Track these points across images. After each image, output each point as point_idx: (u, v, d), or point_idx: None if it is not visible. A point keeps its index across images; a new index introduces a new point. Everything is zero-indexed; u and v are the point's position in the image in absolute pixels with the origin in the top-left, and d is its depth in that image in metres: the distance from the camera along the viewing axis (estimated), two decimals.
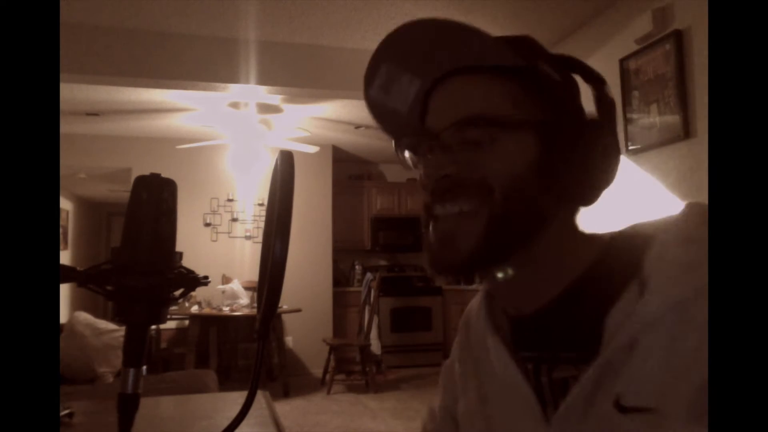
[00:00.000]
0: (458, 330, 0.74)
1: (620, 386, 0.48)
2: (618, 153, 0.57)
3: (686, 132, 2.48)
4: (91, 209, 9.44)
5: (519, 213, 0.55)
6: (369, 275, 5.41)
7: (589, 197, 0.56)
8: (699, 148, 2.43)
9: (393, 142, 0.63)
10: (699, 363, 0.44)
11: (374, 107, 0.64)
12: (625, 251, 0.55)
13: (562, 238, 0.57)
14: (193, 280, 0.50)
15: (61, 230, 7.55)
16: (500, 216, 0.54)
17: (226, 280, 5.40)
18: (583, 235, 0.59)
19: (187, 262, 0.49)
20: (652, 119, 2.67)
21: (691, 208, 0.55)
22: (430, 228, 0.58)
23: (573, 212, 0.59)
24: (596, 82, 0.59)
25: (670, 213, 0.57)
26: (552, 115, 0.56)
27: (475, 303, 0.71)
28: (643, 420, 0.46)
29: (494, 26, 3.10)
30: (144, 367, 0.50)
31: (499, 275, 0.57)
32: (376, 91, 0.62)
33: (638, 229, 0.58)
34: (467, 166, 0.55)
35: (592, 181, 0.56)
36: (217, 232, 5.85)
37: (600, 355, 0.50)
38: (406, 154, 0.62)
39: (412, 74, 0.61)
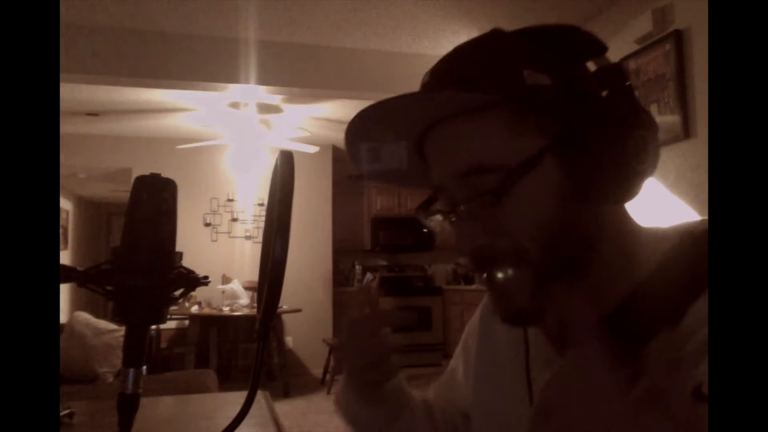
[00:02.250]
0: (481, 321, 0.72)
1: (702, 375, 0.43)
2: (652, 135, 0.51)
3: (686, 132, 2.48)
4: (91, 209, 9.44)
5: (561, 250, 0.51)
6: (369, 275, 5.41)
7: (630, 193, 0.51)
8: (699, 148, 2.44)
9: (415, 210, 0.59)
10: None
11: (378, 177, 0.61)
12: (699, 249, 0.50)
13: (621, 239, 0.54)
14: (193, 280, 0.50)
15: (61, 230, 7.55)
16: (543, 266, 0.50)
17: (226, 280, 5.40)
18: (645, 231, 0.56)
19: (187, 262, 0.49)
20: None
21: None
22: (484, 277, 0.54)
23: (618, 209, 0.54)
24: (590, 53, 0.54)
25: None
26: (564, 125, 0.50)
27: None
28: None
29: (493, 26, 3.09)
30: (144, 367, 0.50)
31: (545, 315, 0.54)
32: (369, 166, 0.58)
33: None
34: (497, 231, 0.50)
35: (629, 177, 0.50)
36: (217, 232, 5.85)
37: (679, 334, 0.47)
38: (428, 221, 0.58)
39: (394, 138, 0.56)
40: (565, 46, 0.53)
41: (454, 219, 0.53)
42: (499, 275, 0.51)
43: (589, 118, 0.50)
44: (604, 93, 0.53)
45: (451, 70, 0.53)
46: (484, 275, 0.52)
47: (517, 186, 0.49)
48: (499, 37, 0.54)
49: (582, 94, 0.51)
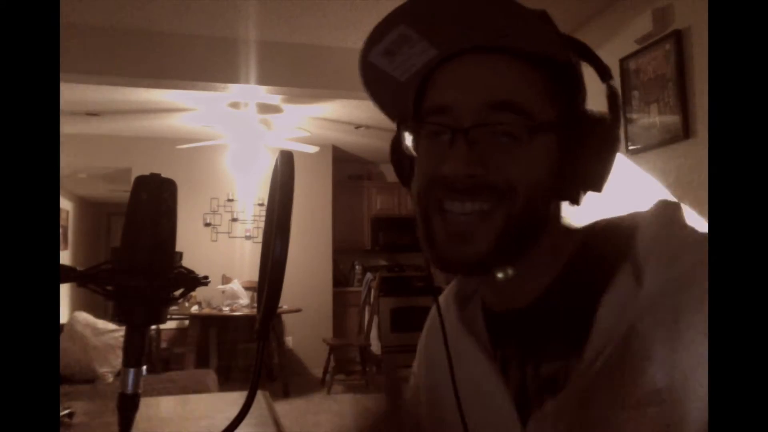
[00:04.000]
0: (423, 348, 0.73)
1: (627, 376, 0.47)
2: (617, 150, 0.56)
3: (686, 132, 2.48)
4: (91, 209, 9.44)
5: (535, 216, 0.54)
6: (369, 275, 5.41)
7: (592, 191, 0.56)
8: (699, 148, 2.43)
9: (397, 122, 0.59)
10: (702, 337, 0.44)
11: (369, 72, 0.58)
12: (608, 240, 0.55)
13: (551, 233, 0.57)
14: (193, 280, 0.50)
15: (61, 230, 7.55)
16: (518, 218, 0.53)
17: (226, 280, 5.40)
18: (564, 227, 0.59)
19: (187, 262, 0.49)
20: (652, 119, 2.67)
21: (663, 203, 0.57)
22: (436, 222, 0.55)
23: (560, 206, 0.58)
24: (608, 76, 0.56)
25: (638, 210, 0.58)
26: (572, 113, 0.54)
27: (431, 322, 0.71)
28: (656, 408, 0.46)
29: None
30: (144, 367, 0.50)
31: (501, 274, 0.56)
32: (377, 55, 0.56)
33: (612, 221, 0.58)
34: (495, 169, 0.52)
35: (597, 178, 0.54)
36: (217, 232, 5.85)
37: (593, 347, 0.50)
38: (408, 136, 0.58)
39: (428, 42, 0.54)
40: (587, 58, 0.57)
41: (450, 147, 0.53)
42: (475, 207, 0.52)
43: (589, 120, 0.55)
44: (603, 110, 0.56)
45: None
46: (456, 206, 0.53)
47: (529, 138, 0.52)
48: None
49: (585, 99, 0.57)
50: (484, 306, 0.64)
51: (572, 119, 0.54)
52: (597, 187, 0.55)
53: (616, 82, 2.57)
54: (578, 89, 0.56)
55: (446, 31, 0.53)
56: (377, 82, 0.59)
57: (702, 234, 0.51)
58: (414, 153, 0.58)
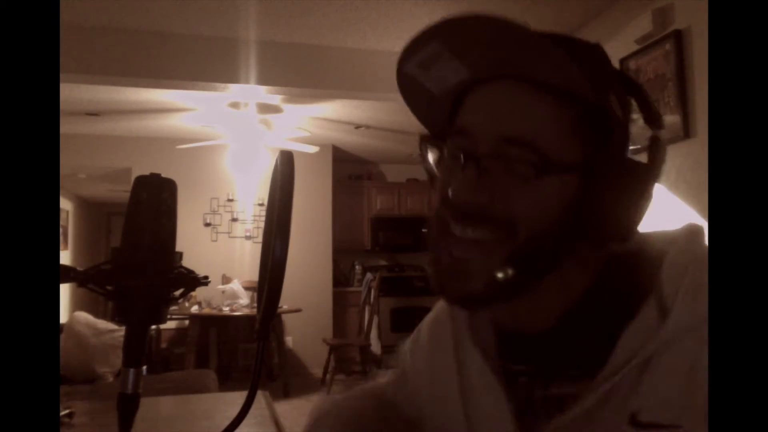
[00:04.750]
0: (417, 351, 0.71)
1: (636, 403, 0.48)
2: (651, 198, 0.53)
3: (686, 132, 2.48)
4: (91, 209, 9.44)
5: (541, 254, 0.51)
6: (369, 275, 5.41)
7: (617, 239, 0.53)
8: (699, 148, 2.43)
9: (420, 138, 0.58)
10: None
11: (405, 82, 0.57)
12: (634, 268, 0.53)
13: (566, 267, 0.55)
14: (193, 280, 0.50)
15: (61, 230, 7.55)
16: (520, 256, 0.51)
17: (226, 280, 5.40)
18: (582, 256, 0.56)
19: (187, 262, 0.49)
20: None
21: (692, 228, 0.54)
22: (443, 246, 0.54)
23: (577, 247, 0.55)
24: (656, 125, 0.54)
25: (669, 228, 0.57)
26: (601, 155, 0.51)
27: (438, 318, 0.69)
28: None
29: None
30: (144, 367, 0.50)
31: (507, 305, 0.54)
32: (413, 66, 0.55)
33: (640, 245, 0.55)
34: (500, 201, 0.51)
35: (624, 227, 0.52)
36: (217, 232, 5.85)
37: (609, 372, 0.49)
38: (430, 154, 0.58)
39: (461, 62, 0.53)
40: (637, 97, 0.55)
41: (462, 172, 0.52)
42: (475, 235, 0.51)
43: (623, 165, 0.52)
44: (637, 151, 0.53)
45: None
46: (457, 229, 0.52)
47: (544, 176, 0.50)
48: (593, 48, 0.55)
49: (626, 142, 0.54)
50: (495, 322, 0.62)
51: (602, 163, 0.51)
52: (623, 235, 0.52)
53: None
54: (613, 132, 0.52)
55: (477, 54, 0.52)
56: (413, 92, 0.58)
57: None
58: (435, 170, 0.57)
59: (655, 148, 0.52)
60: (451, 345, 0.65)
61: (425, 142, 0.58)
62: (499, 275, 0.51)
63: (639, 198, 0.51)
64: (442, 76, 0.55)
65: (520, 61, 0.51)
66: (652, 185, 0.52)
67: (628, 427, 0.48)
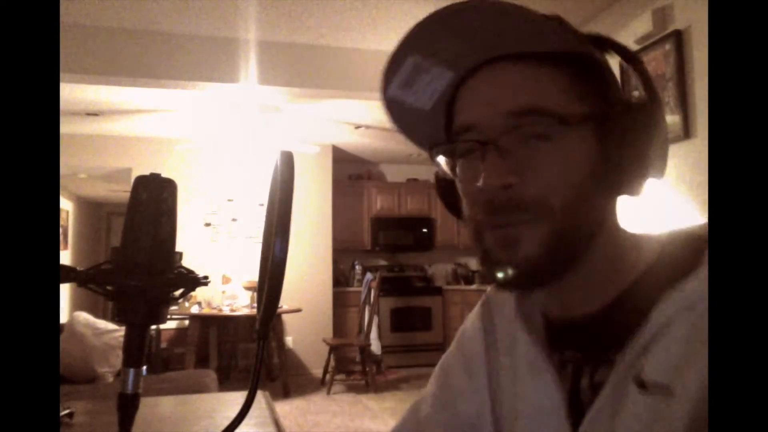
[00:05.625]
0: (465, 337, 0.69)
1: (645, 363, 0.48)
2: (667, 143, 0.53)
3: (686, 132, 2.48)
4: (91, 209, 9.44)
5: (580, 223, 0.52)
6: (369, 275, 5.41)
7: (639, 187, 0.53)
8: (699, 148, 2.44)
9: (429, 146, 0.58)
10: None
11: (393, 107, 0.58)
12: (681, 255, 0.53)
13: (614, 240, 0.55)
14: (193, 280, 0.50)
15: (61, 230, 7.55)
16: (561, 230, 0.51)
17: (226, 280, 5.40)
18: (633, 237, 0.56)
19: (187, 262, 0.49)
20: None
21: None
22: (487, 236, 0.53)
23: (614, 209, 0.55)
24: (635, 61, 0.55)
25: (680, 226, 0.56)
26: (605, 105, 0.52)
27: (500, 296, 0.67)
28: (657, 396, 0.47)
29: None
30: (144, 367, 0.50)
31: (555, 283, 0.54)
32: (396, 89, 0.56)
33: (693, 230, 0.55)
34: (531, 178, 0.50)
35: (645, 171, 0.52)
36: (217, 232, 5.85)
37: (634, 340, 0.49)
38: (441, 158, 0.57)
39: (442, 65, 0.54)
40: (610, 47, 0.55)
41: (483, 162, 0.51)
42: (516, 218, 0.51)
43: (627, 109, 0.52)
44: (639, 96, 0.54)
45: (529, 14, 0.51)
46: (498, 219, 0.52)
47: (561, 137, 0.50)
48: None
49: (619, 88, 0.55)
50: (543, 308, 0.61)
51: (609, 110, 0.52)
52: (656, 171, 0.52)
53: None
54: (608, 80, 0.54)
55: (456, 50, 0.53)
56: (404, 116, 0.59)
57: None
58: (451, 175, 0.57)
59: (645, 80, 0.54)
60: (496, 337, 0.64)
61: (434, 150, 0.57)
62: (549, 247, 0.51)
63: (655, 131, 0.51)
64: (428, 87, 0.56)
65: (497, 42, 0.51)
66: (660, 116, 0.52)
67: (632, 385, 0.48)
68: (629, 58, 0.55)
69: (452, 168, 0.57)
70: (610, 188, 0.53)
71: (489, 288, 0.69)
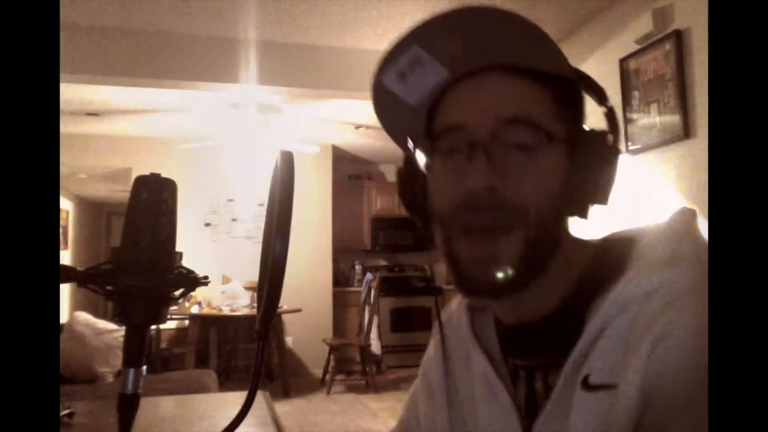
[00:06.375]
0: (427, 365, 0.72)
1: (588, 367, 0.50)
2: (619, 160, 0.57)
3: (686, 132, 2.48)
4: (91, 209, 9.44)
5: (550, 232, 0.55)
6: (369, 275, 5.41)
7: (598, 204, 0.57)
8: (699, 148, 2.43)
9: (413, 140, 0.60)
10: (645, 345, 0.47)
11: (380, 96, 0.59)
12: (614, 254, 0.56)
13: (566, 246, 0.57)
14: (193, 280, 0.50)
15: (61, 230, 7.55)
16: (534, 239, 0.53)
17: (226, 280, 5.40)
18: (576, 241, 0.59)
19: (187, 262, 0.49)
20: (652, 119, 2.67)
21: (678, 212, 0.57)
22: (460, 245, 0.55)
23: (569, 223, 0.59)
24: (605, 98, 0.59)
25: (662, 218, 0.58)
26: (576, 126, 0.56)
27: (454, 317, 0.70)
28: (604, 396, 0.48)
29: None
30: (144, 367, 0.50)
31: (517, 292, 0.56)
32: (390, 78, 0.57)
33: (628, 232, 0.59)
34: (512, 184, 0.53)
35: (603, 191, 0.56)
36: (217, 232, 5.85)
37: (577, 345, 0.52)
38: (420, 155, 0.59)
39: (440, 63, 0.56)
40: (586, 83, 0.59)
41: (469, 162, 0.53)
42: (496, 223, 0.53)
43: (593, 136, 0.56)
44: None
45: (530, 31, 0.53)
46: (473, 218, 0.53)
47: (542, 151, 0.53)
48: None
49: (584, 118, 0.59)
50: (495, 318, 0.64)
51: (577, 135, 0.56)
52: (603, 199, 0.56)
53: (616, 82, 2.59)
54: (581, 107, 0.58)
55: (457, 52, 0.55)
56: (390, 110, 0.60)
57: (704, 243, 0.52)
58: (426, 173, 0.59)
59: (611, 117, 0.57)
60: (455, 351, 0.67)
61: (415, 145, 0.59)
62: (523, 256, 0.53)
63: (611, 163, 0.56)
64: (421, 82, 0.57)
65: (497, 51, 0.54)
66: (617, 151, 0.56)
67: (580, 390, 0.50)
68: (599, 93, 0.58)
69: (428, 168, 0.58)
70: (569, 206, 0.56)
71: (442, 312, 0.74)
